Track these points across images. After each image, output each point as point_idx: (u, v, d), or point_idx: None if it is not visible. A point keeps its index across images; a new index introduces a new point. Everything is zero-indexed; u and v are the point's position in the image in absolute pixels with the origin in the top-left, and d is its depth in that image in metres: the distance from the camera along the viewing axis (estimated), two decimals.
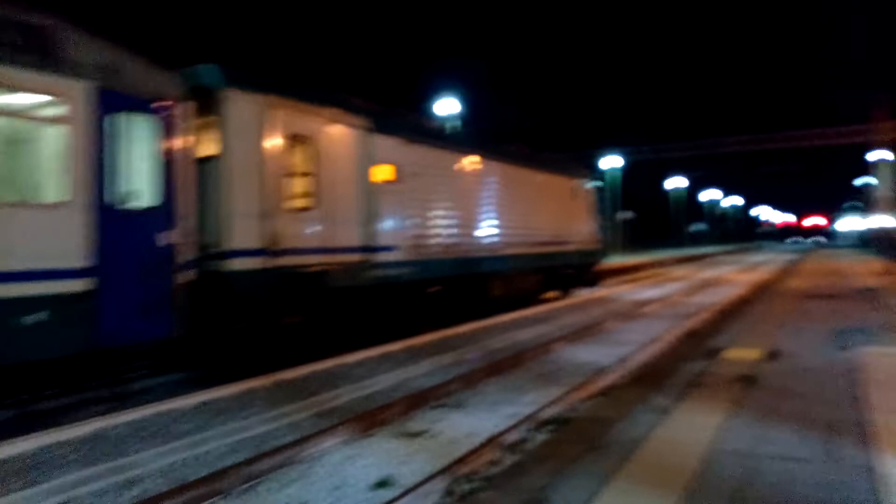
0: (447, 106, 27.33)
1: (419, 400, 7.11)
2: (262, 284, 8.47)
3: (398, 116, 11.92)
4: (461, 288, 13.11)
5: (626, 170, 54.43)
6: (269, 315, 8.76)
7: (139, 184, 7.34)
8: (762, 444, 4.48)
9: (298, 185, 9.19)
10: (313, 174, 9.30)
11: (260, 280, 8.42)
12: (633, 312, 14.80)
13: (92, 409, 6.93)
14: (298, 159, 9.16)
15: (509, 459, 5.13)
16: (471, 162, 13.48)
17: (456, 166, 12.96)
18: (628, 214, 56.64)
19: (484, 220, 13.84)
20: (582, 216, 19.09)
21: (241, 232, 8.18)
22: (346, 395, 7.39)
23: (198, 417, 6.51)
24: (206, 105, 8.07)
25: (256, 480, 5.02)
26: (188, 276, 7.63)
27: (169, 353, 7.94)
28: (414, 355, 9.57)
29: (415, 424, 6.42)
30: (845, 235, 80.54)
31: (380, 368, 8.72)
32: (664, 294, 19.34)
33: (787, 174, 55.87)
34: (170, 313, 7.40)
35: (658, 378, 6.71)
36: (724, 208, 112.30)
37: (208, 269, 7.97)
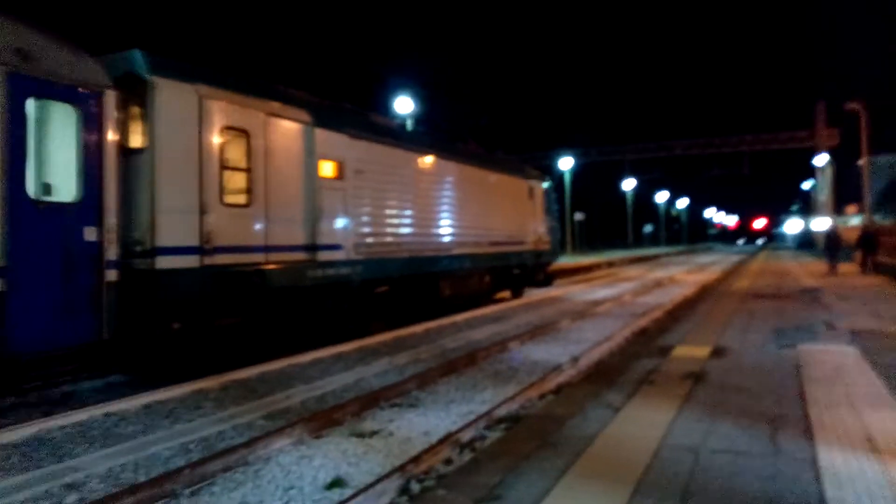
0: (403, 105, 27.26)
1: (373, 400, 7.06)
2: (196, 284, 8.07)
3: (344, 111, 11.56)
4: (411, 288, 12.93)
5: (579, 171, 55.31)
6: (204, 316, 8.40)
7: (59, 176, 6.98)
8: (710, 439, 4.59)
9: (235, 180, 8.83)
10: (252, 169, 8.96)
11: (193, 279, 8.02)
12: (586, 312, 15.01)
13: (13, 415, 6.59)
14: (235, 153, 8.80)
15: (463, 457, 5.13)
16: (422, 160, 13.37)
17: (406, 164, 12.78)
18: (580, 216, 57.50)
19: (435, 219, 13.72)
20: (535, 216, 19.10)
21: (172, 228, 7.78)
22: (298, 395, 7.29)
23: (145, 419, 6.34)
24: (134, 94, 7.67)
25: (206, 482, 4.90)
26: (115, 275, 7.27)
27: (99, 357, 7.63)
28: (367, 355, 9.51)
29: (369, 424, 6.37)
30: (790, 237, 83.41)
31: (333, 368, 8.63)
32: (616, 294, 19.68)
33: (735, 177, 57.50)
34: (95, 315, 7.01)
35: (610, 375, 6.81)
36: (676, 210, 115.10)
37: (137, 268, 7.60)
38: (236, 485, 4.89)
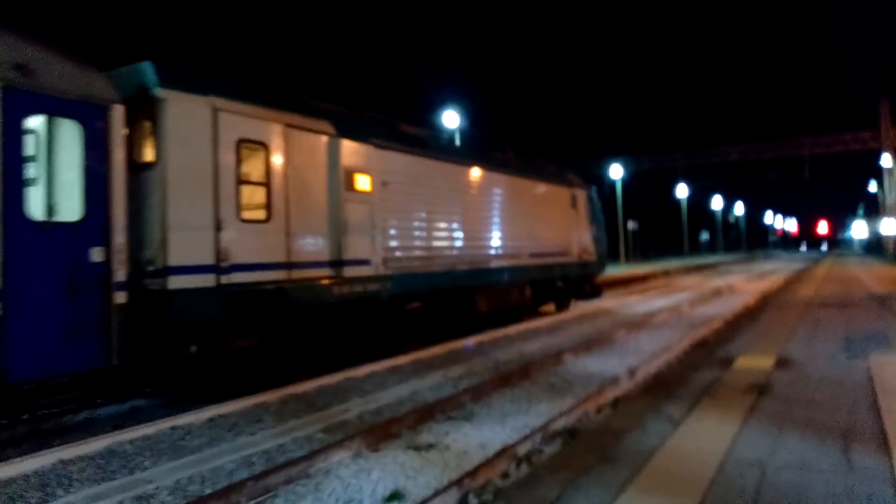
0: (450, 118, 27.41)
1: (428, 412, 7.09)
2: (212, 304, 7.69)
3: (369, 121, 11.01)
4: (444, 303, 12.36)
5: (630, 180, 54.46)
6: (223, 338, 8.10)
7: (64, 195, 6.76)
8: (778, 454, 4.44)
9: (254, 195, 8.55)
10: (271, 183, 8.64)
11: (208, 299, 7.65)
12: (642, 323, 14.72)
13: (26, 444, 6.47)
14: (253, 167, 8.51)
15: (521, 471, 5.10)
16: (455, 169, 12.84)
17: (438, 174, 12.20)
18: (633, 224, 56.55)
19: (470, 230, 13.07)
20: (579, 226, 18.30)
21: (185, 246, 7.44)
22: (355, 408, 7.38)
23: (209, 432, 6.53)
24: (144, 108, 7.41)
25: (269, 494, 5.01)
26: (124, 296, 6.90)
27: (122, 380, 7.51)
28: (422, 368, 9.56)
29: (425, 437, 6.40)
30: (856, 242, 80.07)
31: (388, 381, 8.71)
32: (672, 304, 19.25)
33: (795, 180, 55.60)
34: (102, 339, 6.66)
35: (669, 388, 6.67)
36: (734, 216, 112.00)
37: (149, 288, 7.25)
38: (297, 497, 4.98)
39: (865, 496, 3.69)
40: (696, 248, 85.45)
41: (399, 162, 11.08)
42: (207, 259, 7.70)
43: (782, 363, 7.70)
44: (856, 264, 38.88)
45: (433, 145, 12.62)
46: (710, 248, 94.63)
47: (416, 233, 11.51)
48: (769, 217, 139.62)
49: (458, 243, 12.67)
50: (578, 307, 18.08)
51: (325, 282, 9.38)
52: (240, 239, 8.10)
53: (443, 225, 12.25)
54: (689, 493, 3.78)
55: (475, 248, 13.21)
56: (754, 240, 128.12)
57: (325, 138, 9.59)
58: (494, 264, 13.84)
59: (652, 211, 70.22)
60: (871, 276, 25.38)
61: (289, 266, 8.77)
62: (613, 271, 35.88)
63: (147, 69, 7.53)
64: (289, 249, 8.79)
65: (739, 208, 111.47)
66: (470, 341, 11.87)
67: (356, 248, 9.93)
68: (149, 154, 7.50)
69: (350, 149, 9.97)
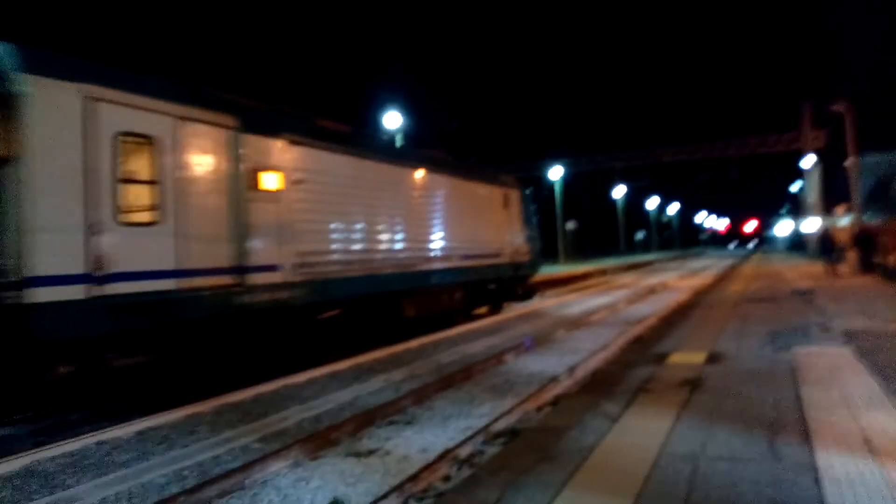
0: (391, 118, 27.26)
1: (369, 418, 7.00)
2: (84, 319, 6.82)
3: (281, 115, 10.02)
4: (367, 309, 11.65)
5: (569, 180, 55.51)
6: (100, 356, 7.41)
7: None
8: (709, 446, 4.56)
9: (137, 194, 7.64)
10: (160, 182, 7.77)
11: (79, 313, 6.77)
12: (581, 321, 14.99)
13: None
14: (137, 164, 7.63)
15: (462, 474, 5.08)
16: (378, 168, 12.01)
17: (359, 172, 11.41)
18: (572, 224, 57.63)
19: (395, 232, 12.35)
20: (512, 226, 17.80)
21: (48, 253, 6.56)
22: (294, 416, 7.22)
23: (139, 446, 6.25)
24: (1, 95, 6.60)
25: None
26: None
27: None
28: (363, 373, 9.45)
29: (366, 443, 6.32)
30: (781, 240, 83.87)
31: (329, 387, 8.56)
32: (610, 302, 19.69)
33: (724, 181, 57.94)
34: None
35: (607, 385, 6.79)
36: (668, 216, 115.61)
37: (4, 303, 6.43)
38: None
39: (790, 484, 3.82)
40: (632, 247, 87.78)
41: (315, 159, 10.24)
42: (77, 268, 6.83)
43: (713, 358, 7.95)
44: (780, 261, 40.72)
45: (355, 142, 11.62)
46: (646, 246, 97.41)
47: (335, 235, 10.68)
48: (701, 216, 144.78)
49: (383, 246, 11.95)
50: (517, 308, 18.16)
51: (225, 291, 8.45)
52: (120, 244, 7.24)
53: (365, 226, 11.48)
54: (625, 490, 3.84)
55: (401, 251, 12.52)
56: (687, 238, 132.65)
57: (226, 132, 8.65)
58: (423, 267, 13.20)
59: (590, 211, 71.78)
60: (795, 272, 26.61)
61: (181, 274, 7.90)
62: (553, 270, 36.49)
63: (4, 51, 6.74)
64: (181, 255, 7.92)
65: (674, 208, 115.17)
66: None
67: (262, 252, 9.07)
68: (4, 147, 6.60)
69: (256, 144, 9.11)
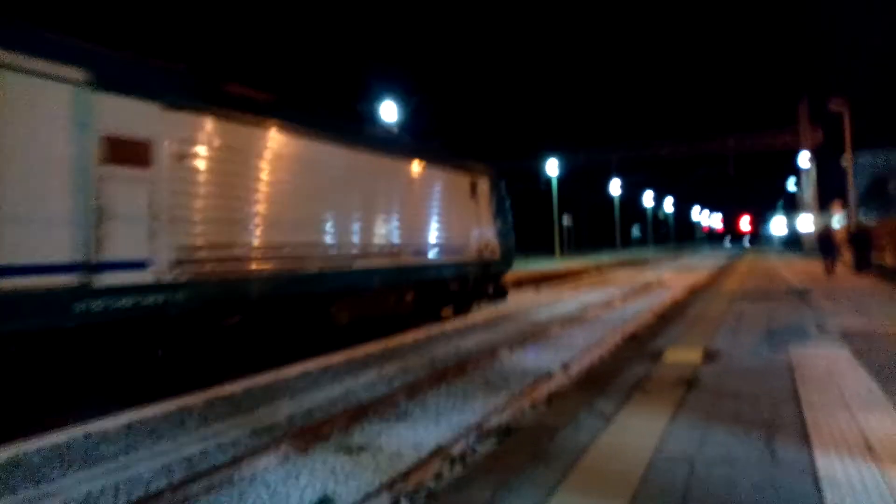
0: (387, 109, 27.08)
1: (361, 412, 6.92)
2: None
3: (155, 70, 7.85)
4: (284, 315, 9.65)
5: (565, 175, 55.46)
6: None
7: None
8: (705, 447, 4.49)
9: None
10: None
11: None
12: (578, 318, 14.93)
13: None
14: None
15: (454, 472, 5.01)
16: (307, 146, 9.96)
17: (278, 150, 9.38)
18: (568, 219, 57.62)
19: (323, 223, 10.24)
20: (480, 219, 15.91)
21: None
22: (285, 409, 7.14)
23: (126, 439, 6.17)
24: None
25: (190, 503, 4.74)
26: None
27: None
28: (356, 367, 9.37)
29: (357, 438, 6.23)
30: (776, 237, 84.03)
31: (321, 381, 8.48)
32: (605, 298, 19.63)
33: (721, 177, 58.05)
34: None
35: (602, 382, 6.71)
36: (664, 213, 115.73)
37: None
38: None
39: (789, 488, 3.75)
40: (627, 243, 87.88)
41: (208, 129, 8.20)
42: None
43: (709, 356, 7.89)
44: (775, 258, 40.75)
45: (268, 111, 9.36)
46: (642, 242, 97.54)
47: (238, 225, 8.60)
48: (697, 213, 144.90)
49: (305, 239, 9.82)
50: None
51: (59, 294, 6.38)
52: None
53: (280, 216, 9.33)
54: (620, 491, 3.76)
55: (332, 246, 10.41)
56: (683, 234, 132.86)
57: (66, 88, 6.64)
58: (361, 265, 11.07)
59: (586, 206, 71.79)
60: (790, 270, 26.61)
61: None
62: (549, 266, 36.44)
63: None
64: None
65: (669, 204, 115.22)
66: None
67: (122, 245, 7.04)
68: None
69: (116, 106, 7.09)
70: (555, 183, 52.40)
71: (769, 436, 4.71)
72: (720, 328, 10.29)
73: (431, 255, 13.52)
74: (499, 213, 17.01)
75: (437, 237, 13.79)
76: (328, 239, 10.34)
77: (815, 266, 26.01)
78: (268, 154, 9.23)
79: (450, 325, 13.57)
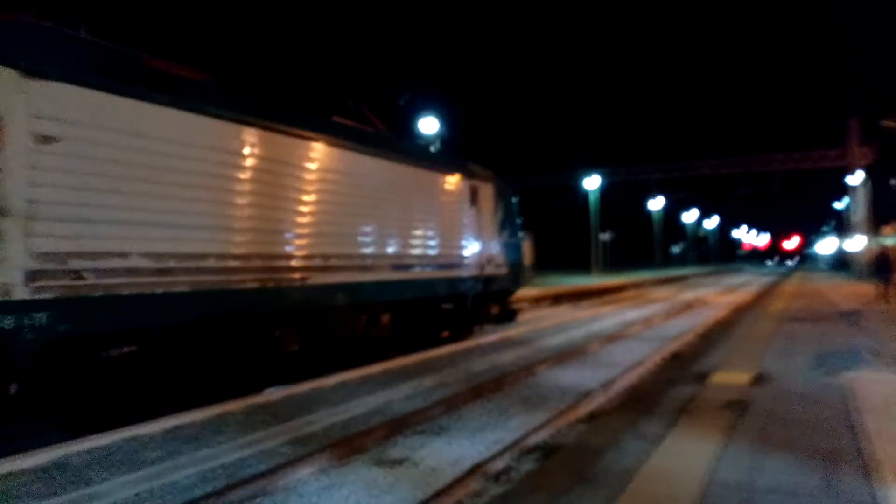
0: (428, 124, 27.08)
1: (399, 425, 6.85)
2: None
3: (15, 27, 6.20)
4: (205, 343, 7.77)
5: (605, 191, 54.80)
6: None
7: None
8: (760, 476, 4.29)
9: None
10: None
11: None
12: (618, 335, 14.64)
13: None
14: None
15: (495, 490, 4.89)
16: (239, 134, 8.09)
17: (198, 138, 7.53)
18: (606, 235, 56.90)
19: (263, 228, 8.35)
20: (483, 229, 13.96)
21: None
22: (323, 420, 7.10)
23: (167, 444, 6.20)
24: None
25: None
26: None
27: None
28: (394, 378, 9.32)
29: (395, 452, 6.15)
30: (823, 258, 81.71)
31: (358, 392, 8.44)
32: (646, 316, 19.25)
33: (766, 196, 56.75)
34: None
35: (645, 404, 6.52)
36: (705, 230, 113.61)
37: None
38: None
39: None
40: (667, 261, 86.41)
41: (94, 108, 6.46)
42: None
43: (759, 379, 7.62)
44: (823, 280, 39.54)
45: (188, 90, 7.63)
46: (682, 260, 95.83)
47: (134, 225, 6.79)
48: (738, 232, 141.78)
49: (237, 248, 7.96)
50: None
51: None
52: None
53: (197, 218, 7.50)
54: None
55: (277, 256, 8.56)
56: (725, 253, 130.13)
57: None
58: (317, 280, 9.12)
59: (625, 222, 70.89)
60: (840, 293, 25.77)
61: None
62: (585, 282, 36.00)
63: None
64: None
65: (712, 222, 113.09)
66: None
67: None
68: None
69: None
70: (593, 199, 51.88)
71: (828, 466, 4.48)
72: (768, 350, 9.96)
73: (416, 269, 11.61)
74: (506, 222, 15.14)
75: (424, 248, 11.87)
76: (269, 248, 8.43)
77: (866, 289, 25.11)
78: (179, 143, 7.33)
79: (484, 340, 13.43)
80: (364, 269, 10.15)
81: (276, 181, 8.65)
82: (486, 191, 14.33)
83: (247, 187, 8.22)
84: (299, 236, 8.97)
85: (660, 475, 4.36)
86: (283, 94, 9.00)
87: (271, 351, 8.67)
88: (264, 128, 8.49)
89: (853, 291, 25.00)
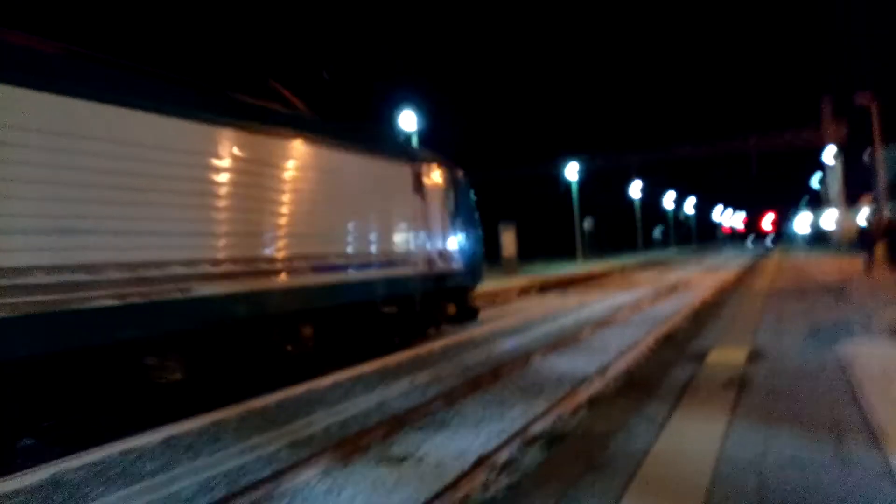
0: (407, 118, 26.91)
1: (399, 422, 6.76)
2: None
3: None
4: (50, 378, 6.21)
5: (584, 179, 54.99)
6: None
7: None
8: (771, 451, 4.27)
9: None
10: None
11: None
12: (609, 320, 14.66)
13: None
14: None
15: (504, 481, 4.82)
16: (118, 117, 6.55)
17: (48, 122, 5.88)
18: (589, 222, 57.14)
19: (132, 228, 6.67)
20: (431, 221, 12.43)
21: None
22: (320, 421, 7.00)
23: (164, 455, 6.06)
24: None
25: None
26: None
27: None
28: (387, 376, 9.22)
29: (397, 449, 6.07)
30: (800, 236, 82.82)
31: (354, 391, 8.34)
32: (633, 300, 19.32)
33: (742, 176, 57.45)
34: None
35: (646, 386, 6.50)
36: (685, 214, 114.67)
37: None
38: None
39: (872, 493, 3.53)
40: (649, 244, 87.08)
41: None
42: None
43: (755, 356, 7.64)
44: (803, 256, 40.05)
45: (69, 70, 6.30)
46: (664, 243, 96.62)
47: None
48: (719, 213, 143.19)
49: (87, 254, 6.22)
50: (541, 306, 17.40)
51: None
52: None
53: (24, 215, 5.75)
54: (690, 500, 3.56)
55: (141, 265, 6.70)
56: (705, 235, 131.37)
57: None
58: (205, 291, 7.37)
59: (607, 208, 71.17)
60: (821, 267, 26.08)
61: None
62: (571, 270, 36.10)
63: None
64: None
65: (690, 205, 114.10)
66: None
67: None
68: None
69: None
70: (575, 186, 52.06)
71: (836, 438, 4.48)
72: (759, 328, 10.01)
73: (345, 269, 9.92)
74: (460, 213, 13.60)
75: (354, 245, 10.16)
76: (133, 255, 6.66)
77: (847, 263, 25.44)
78: (55, 130, 5.95)
79: (478, 332, 13.37)
80: (271, 273, 8.46)
81: (150, 176, 6.88)
82: (434, 177, 12.69)
83: (99, 183, 6.35)
84: (174, 239, 7.17)
85: (669, 457, 4.32)
86: (176, 70, 7.62)
87: (147, 380, 7.06)
88: (156, 110, 6.93)
89: (834, 266, 25.32)
